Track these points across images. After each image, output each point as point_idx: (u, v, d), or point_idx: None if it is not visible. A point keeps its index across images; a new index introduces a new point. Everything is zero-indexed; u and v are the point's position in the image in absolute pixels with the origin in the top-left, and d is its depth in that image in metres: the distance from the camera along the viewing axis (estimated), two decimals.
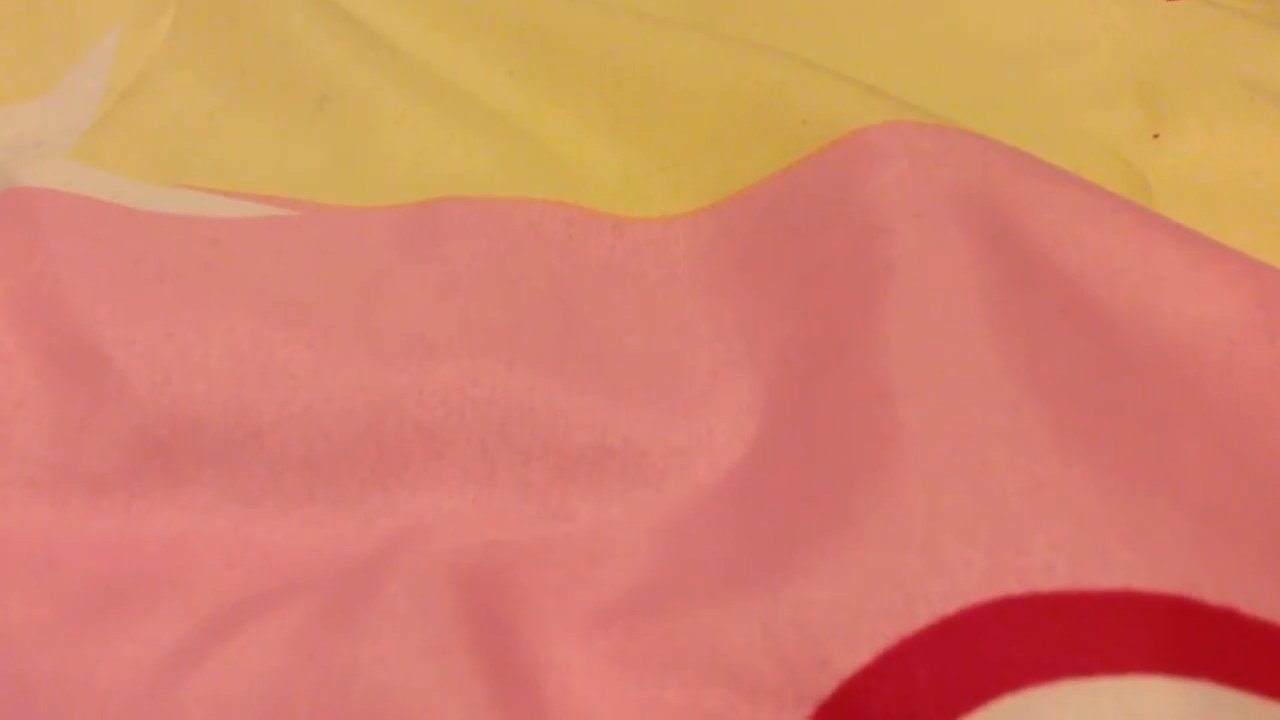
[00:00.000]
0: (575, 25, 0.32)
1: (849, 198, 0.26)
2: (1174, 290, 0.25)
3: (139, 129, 0.31)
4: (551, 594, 0.22)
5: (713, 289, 0.28)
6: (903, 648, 0.19)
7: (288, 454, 0.25)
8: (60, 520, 0.24)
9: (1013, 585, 0.19)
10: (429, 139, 0.31)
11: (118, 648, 0.22)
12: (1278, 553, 0.21)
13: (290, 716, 0.21)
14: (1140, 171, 0.29)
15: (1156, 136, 0.30)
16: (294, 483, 0.25)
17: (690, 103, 0.30)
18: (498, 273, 0.27)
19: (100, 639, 0.22)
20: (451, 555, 0.23)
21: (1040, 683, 0.19)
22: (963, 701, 0.19)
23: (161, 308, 0.26)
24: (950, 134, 0.26)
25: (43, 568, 0.24)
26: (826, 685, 0.19)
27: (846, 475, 0.21)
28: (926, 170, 0.25)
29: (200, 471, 0.25)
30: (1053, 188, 0.26)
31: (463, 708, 0.20)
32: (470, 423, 0.25)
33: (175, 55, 0.33)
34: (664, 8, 0.33)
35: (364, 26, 0.34)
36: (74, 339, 0.25)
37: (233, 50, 0.33)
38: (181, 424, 0.25)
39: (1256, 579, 0.20)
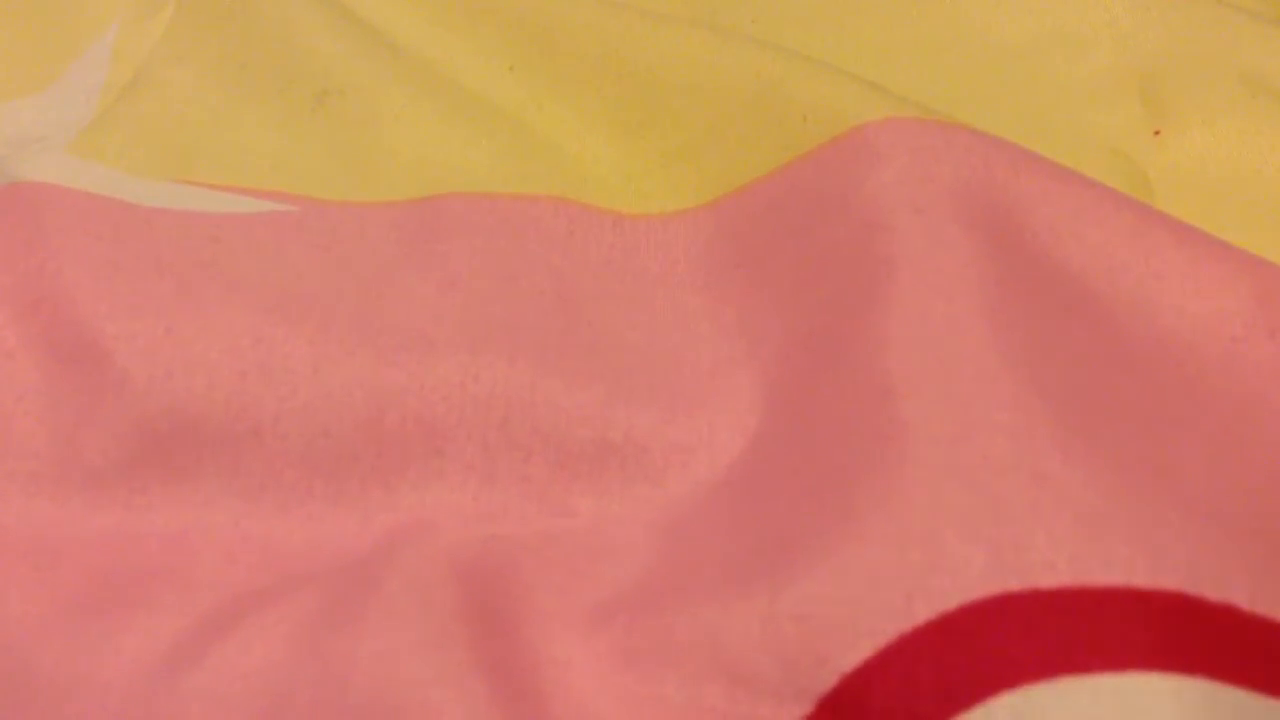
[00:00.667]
0: (576, 21, 0.32)
1: (849, 194, 0.26)
2: (1175, 287, 0.25)
3: (139, 124, 0.31)
4: (552, 590, 0.22)
5: (713, 285, 0.28)
6: (903, 644, 0.19)
7: (288, 450, 0.25)
8: (60, 515, 0.24)
9: (1013, 582, 0.19)
10: (430, 135, 0.31)
11: (118, 642, 0.22)
12: (1277, 549, 0.21)
13: (290, 712, 0.21)
14: (1141, 168, 0.29)
15: (1157, 133, 0.30)
16: (294, 478, 0.25)
17: (691, 99, 0.30)
18: (498, 269, 0.27)
19: (100, 634, 0.22)
20: (451, 551, 0.23)
21: (1040, 679, 0.19)
22: (963, 698, 0.19)
23: (162, 303, 0.26)
24: (951, 130, 0.26)
25: (43, 562, 0.24)
26: (827, 681, 0.19)
27: (847, 471, 0.21)
28: (927, 167, 0.25)
29: (200, 467, 0.25)
30: (1054, 184, 0.26)
31: (462, 704, 0.20)
32: (471, 419, 0.25)
33: (175, 50, 0.33)
34: (665, 4, 0.33)
35: (364, 22, 0.34)
36: (74, 334, 0.25)
37: (232, 45, 0.33)
38: (181, 419, 0.25)
39: (1256, 575, 0.20)
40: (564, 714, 0.20)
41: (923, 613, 0.19)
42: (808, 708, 0.20)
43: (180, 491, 0.25)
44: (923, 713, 0.19)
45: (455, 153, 0.30)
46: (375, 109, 0.31)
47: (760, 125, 0.29)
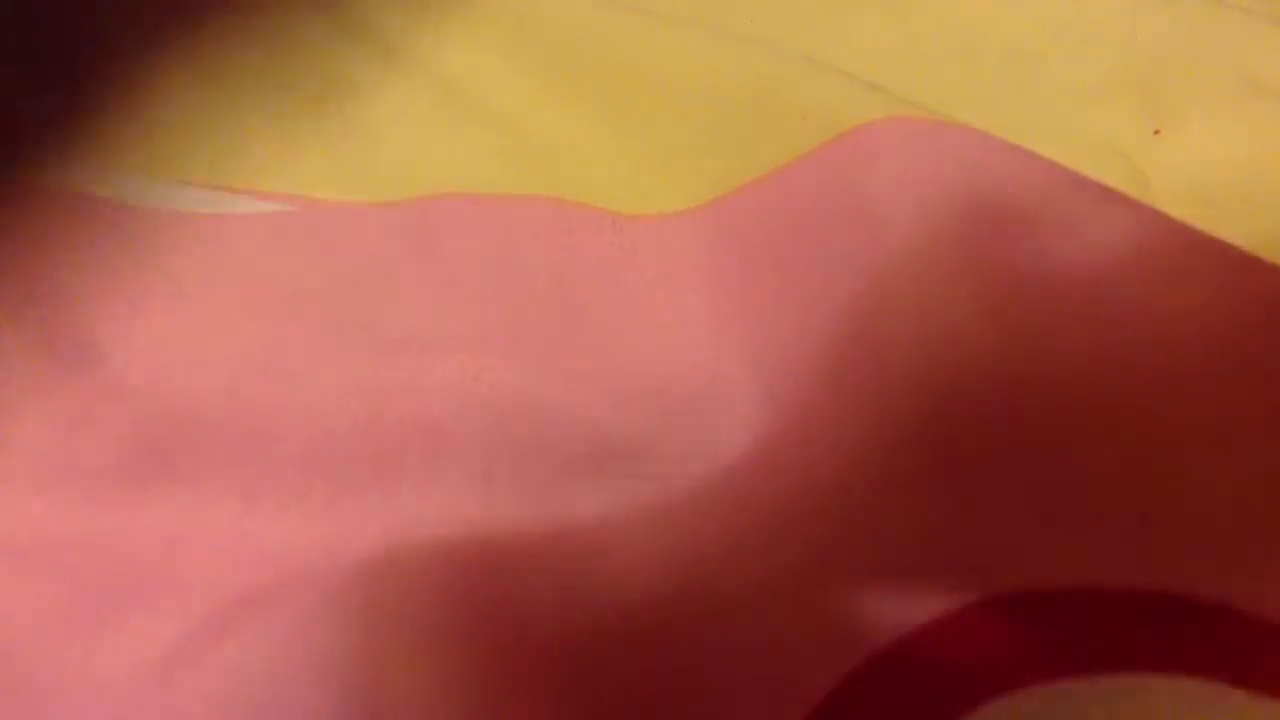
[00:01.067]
0: (575, 21, 0.32)
1: (849, 193, 0.26)
2: (1173, 287, 0.25)
3: (138, 124, 0.31)
4: (551, 589, 0.22)
5: (711, 285, 0.28)
6: (903, 646, 0.19)
7: (287, 450, 0.25)
8: (59, 516, 0.24)
9: (1014, 584, 0.19)
10: (428, 135, 0.31)
11: (116, 643, 0.22)
12: (1276, 549, 0.21)
13: (288, 713, 0.21)
14: (1140, 167, 0.29)
15: (1157, 133, 0.30)
16: (292, 479, 0.25)
17: (689, 98, 0.30)
18: (496, 269, 0.27)
19: (98, 634, 0.22)
20: (450, 552, 0.23)
21: (1040, 681, 0.19)
22: (963, 699, 0.19)
23: (160, 304, 0.26)
24: (951, 130, 0.26)
25: (41, 563, 0.24)
26: (827, 682, 0.19)
27: (845, 472, 0.21)
28: (928, 166, 0.25)
29: (198, 468, 0.25)
30: (1053, 184, 0.26)
31: (461, 704, 0.20)
32: (470, 419, 0.25)
33: (175, 49, 0.33)
34: (664, 3, 0.33)
35: (363, 22, 0.33)
36: (73, 335, 0.25)
37: (232, 45, 0.33)
38: (180, 420, 0.25)
39: (1254, 576, 0.21)
40: (563, 713, 0.20)
41: (924, 615, 0.19)
42: (809, 708, 0.20)
43: (179, 491, 0.25)
44: (924, 714, 0.19)
45: (453, 153, 0.30)
46: (373, 110, 0.31)
47: (759, 125, 0.29)
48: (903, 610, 0.19)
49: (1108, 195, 0.26)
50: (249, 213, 0.29)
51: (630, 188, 0.30)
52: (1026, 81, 0.31)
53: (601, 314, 0.27)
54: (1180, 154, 0.29)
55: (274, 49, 0.33)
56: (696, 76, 0.30)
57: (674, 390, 0.25)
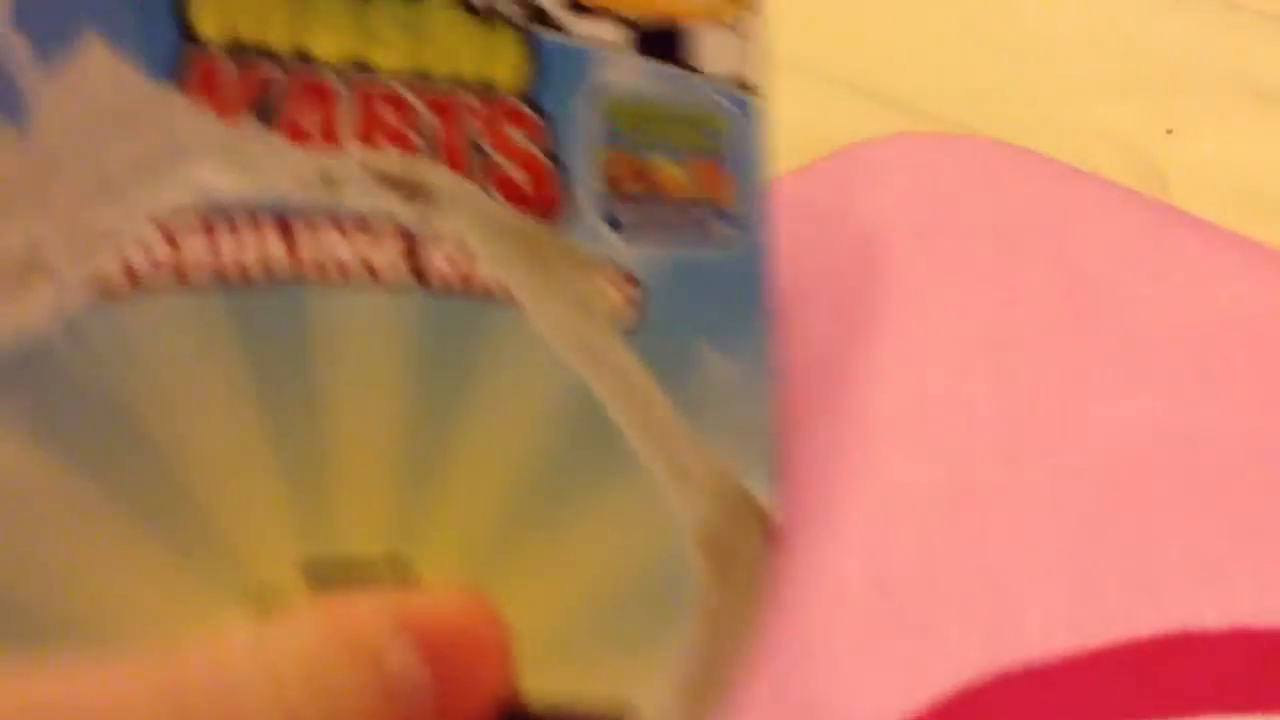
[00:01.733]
0: None
1: (846, 212, 0.25)
2: (1194, 279, 0.24)
3: None
4: None
5: None
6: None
7: None
8: None
9: (1009, 659, 0.19)
10: None
11: None
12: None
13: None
14: (1156, 165, 0.28)
15: (1169, 132, 0.29)
16: None
17: None
18: None
19: None
20: None
21: None
22: None
23: None
24: (954, 143, 0.25)
25: None
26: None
27: (831, 540, 0.21)
28: (928, 185, 0.25)
29: None
30: (1063, 186, 0.25)
31: None
32: None
33: None
34: None
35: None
36: None
37: None
38: None
39: (1266, 587, 0.20)
40: None
41: (920, 697, 0.19)
42: None
43: None
44: None
45: None
46: None
47: None
48: (901, 693, 0.19)
49: (1123, 194, 0.25)
50: None
51: None
52: (1038, 80, 0.30)
53: None
54: (1193, 153, 0.28)
55: None
56: None
57: None
